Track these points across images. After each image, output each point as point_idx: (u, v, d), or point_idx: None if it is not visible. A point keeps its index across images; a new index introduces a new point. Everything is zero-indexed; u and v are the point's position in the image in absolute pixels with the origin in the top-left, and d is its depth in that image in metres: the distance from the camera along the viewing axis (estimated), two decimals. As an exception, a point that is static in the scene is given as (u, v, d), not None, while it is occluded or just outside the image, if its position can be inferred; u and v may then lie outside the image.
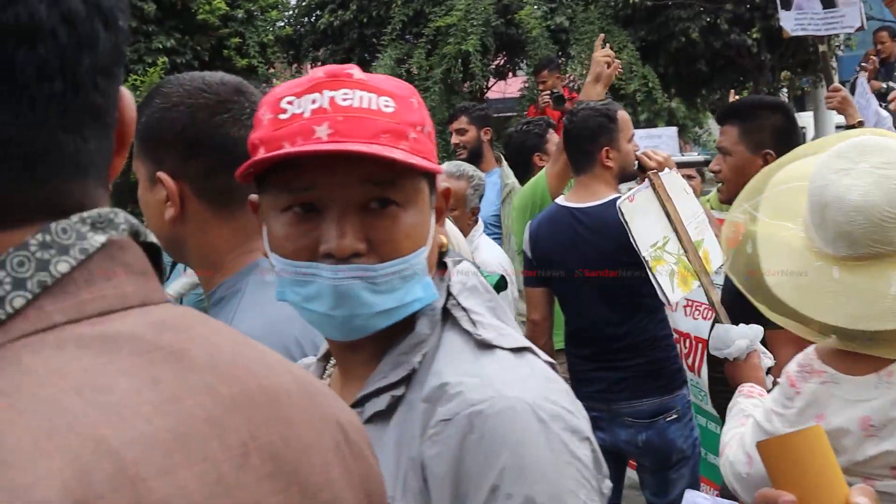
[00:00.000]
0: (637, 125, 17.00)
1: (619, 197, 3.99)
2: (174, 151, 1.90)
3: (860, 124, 5.04)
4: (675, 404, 4.06)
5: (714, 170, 3.92)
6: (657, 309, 4.09)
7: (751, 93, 15.53)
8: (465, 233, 4.89)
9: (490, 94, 14.35)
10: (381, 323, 1.44)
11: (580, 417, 1.42)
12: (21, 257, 0.72)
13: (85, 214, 0.77)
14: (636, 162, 4.13)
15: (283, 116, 1.42)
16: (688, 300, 4.50)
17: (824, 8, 6.10)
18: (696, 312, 5.07)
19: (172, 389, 0.74)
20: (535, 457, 1.32)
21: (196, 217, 1.92)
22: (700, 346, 4.36)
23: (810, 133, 14.59)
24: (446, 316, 1.49)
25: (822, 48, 6.40)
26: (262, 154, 1.40)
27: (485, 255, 4.76)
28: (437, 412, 1.37)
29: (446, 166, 4.94)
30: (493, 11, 11.71)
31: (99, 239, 0.76)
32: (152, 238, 0.85)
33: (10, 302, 0.71)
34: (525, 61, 12.91)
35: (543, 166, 5.24)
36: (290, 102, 1.42)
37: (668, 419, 4.04)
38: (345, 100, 1.40)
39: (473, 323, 1.47)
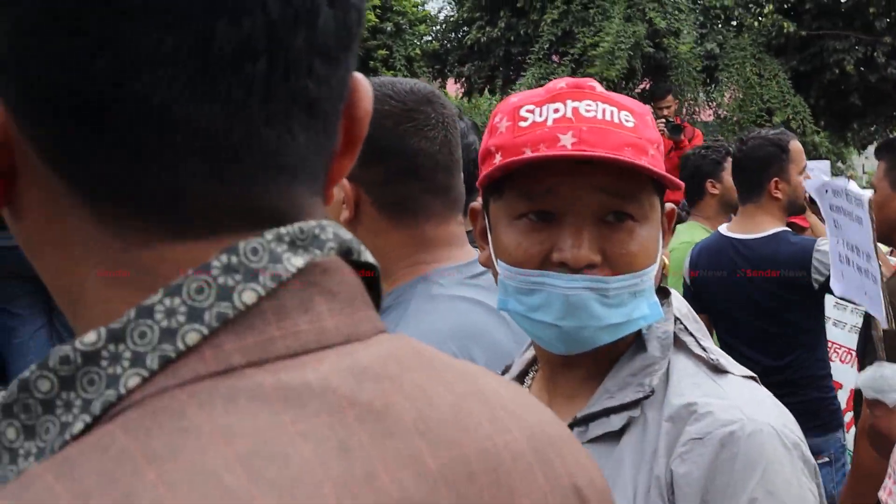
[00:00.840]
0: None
1: (784, 230, 3.94)
2: None
3: None
4: (829, 447, 3.89)
5: None
6: (817, 346, 3.97)
7: (905, 130, 15.09)
8: None
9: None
10: (607, 337, 1.43)
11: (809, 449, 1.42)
12: (200, 282, 0.60)
13: (283, 230, 0.63)
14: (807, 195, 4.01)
15: (523, 124, 1.42)
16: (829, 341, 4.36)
17: None
18: (835, 355, 4.88)
19: (365, 461, 0.59)
20: (784, 481, 1.33)
21: (369, 223, 1.90)
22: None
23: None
24: (674, 339, 1.49)
25: None
26: (499, 160, 1.40)
27: None
28: (685, 431, 1.36)
29: None
30: (644, 36, 11.58)
31: (297, 262, 0.63)
32: (368, 257, 0.70)
33: (183, 337, 0.58)
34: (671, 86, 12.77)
35: (716, 193, 5.18)
36: (530, 111, 1.43)
37: (819, 462, 3.88)
38: (588, 111, 1.40)
39: (703, 348, 1.48)
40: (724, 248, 4.09)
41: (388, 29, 12.69)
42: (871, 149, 20.81)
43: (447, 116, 1.97)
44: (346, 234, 0.67)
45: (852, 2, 13.52)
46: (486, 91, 13.20)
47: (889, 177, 3.56)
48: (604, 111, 1.40)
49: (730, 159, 5.31)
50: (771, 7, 13.51)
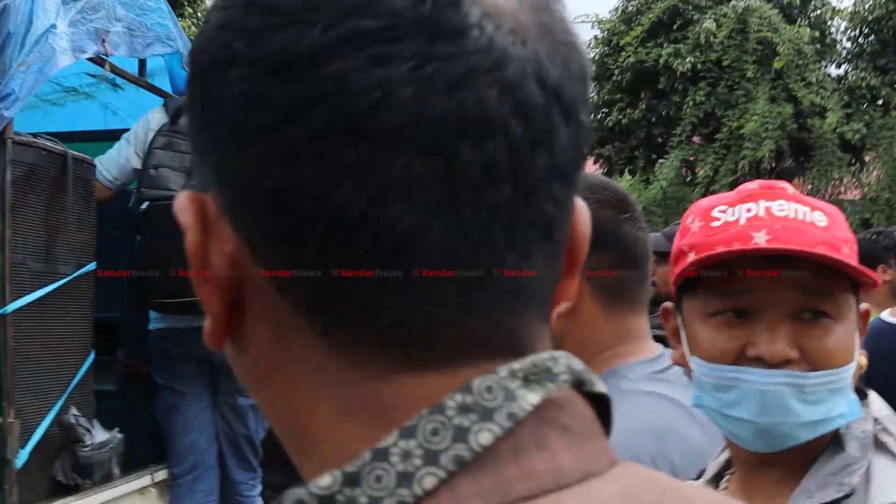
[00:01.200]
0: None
1: None
2: None
3: None
4: None
5: None
6: None
7: None
8: None
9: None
10: (806, 435, 1.42)
11: None
12: (436, 423, 0.57)
13: (516, 366, 0.60)
14: None
15: (715, 224, 1.47)
16: None
17: None
18: None
19: None
20: None
21: (585, 313, 1.88)
22: None
23: None
24: (874, 440, 1.47)
25: None
26: (692, 258, 1.45)
27: None
28: None
29: None
30: (790, 116, 11.48)
31: (532, 399, 0.59)
32: (601, 387, 0.66)
33: (420, 481, 0.56)
34: (814, 167, 12.59)
35: (888, 280, 5.06)
36: (722, 211, 1.48)
37: None
38: (780, 210, 1.45)
39: None
40: (888, 335, 4.07)
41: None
42: None
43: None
44: (579, 365, 0.63)
45: None
46: (626, 172, 13.22)
47: None
48: (796, 211, 1.45)
49: None
50: (919, 87, 13.27)
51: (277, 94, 0.56)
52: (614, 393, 1.90)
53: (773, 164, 12.56)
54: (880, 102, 13.29)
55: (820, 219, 1.46)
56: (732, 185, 11.50)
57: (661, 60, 12.02)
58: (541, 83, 0.58)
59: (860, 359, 1.49)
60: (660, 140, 12.60)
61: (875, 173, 12.78)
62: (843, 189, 13.32)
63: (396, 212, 0.55)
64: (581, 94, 0.61)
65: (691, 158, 11.72)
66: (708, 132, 11.88)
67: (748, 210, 1.47)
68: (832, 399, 1.42)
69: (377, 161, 0.55)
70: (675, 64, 11.81)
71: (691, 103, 11.75)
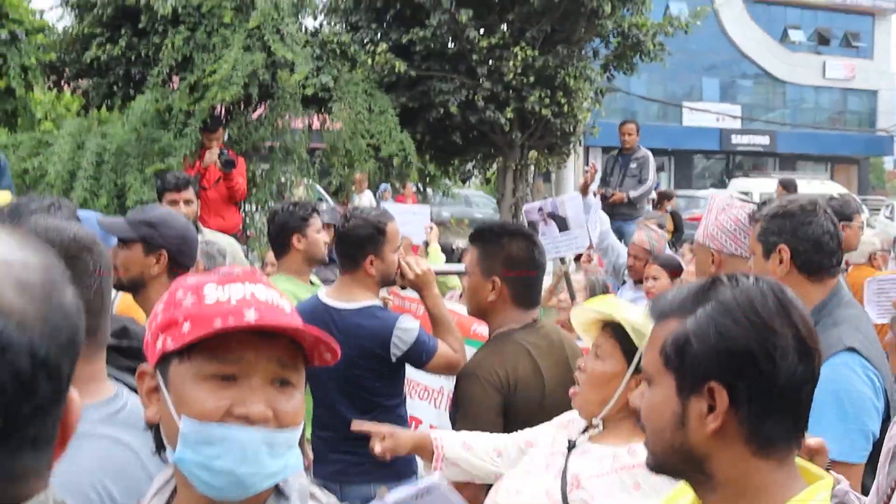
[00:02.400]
0: (391, 183, 17.60)
1: (374, 305, 4.37)
2: None
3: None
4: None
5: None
6: (396, 407, 4.45)
7: (500, 168, 16.45)
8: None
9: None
10: (267, 484, 1.73)
11: None
12: None
13: None
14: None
15: (208, 301, 1.72)
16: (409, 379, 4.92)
17: (560, 231, 7.00)
18: (413, 392, 5.49)
19: None
20: None
21: None
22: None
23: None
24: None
25: (564, 268, 7.16)
26: (188, 328, 1.69)
27: None
28: None
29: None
30: (261, 65, 11.93)
31: None
32: None
33: None
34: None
35: (301, 249, 5.51)
36: (213, 289, 1.73)
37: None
38: (262, 294, 1.74)
39: (329, 499, 1.86)
40: (320, 314, 4.36)
41: (3, 37, 12.24)
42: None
43: (105, 263, 2.25)
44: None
45: (457, 48, 14.62)
46: (104, 107, 12.98)
47: (481, 265, 4.01)
48: (272, 297, 1.75)
49: (316, 215, 5.77)
50: (384, 47, 14.36)
51: None
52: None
53: (244, 107, 13.00)
54: (349, 57, 14.15)
55: (286, 305, 1.77)
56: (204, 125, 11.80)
57: (143, 0, 11.92)
58: (33, 357, 0.97)
59: None
60: (138, 78, 12.55)
61: (338, 124, 13.56)
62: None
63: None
64: (67, 353, 1.03)
65: (167, 100, 11.79)
66: (185, 75, 12.02)
67: (237, 291, 1.72)
68: (288, 453, 1.73)
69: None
70: (156, 5, 11.76)
71: (170, 45, 11.80)
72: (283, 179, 13.05)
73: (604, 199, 11.47)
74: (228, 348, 1.68)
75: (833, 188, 28.57)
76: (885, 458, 2.58)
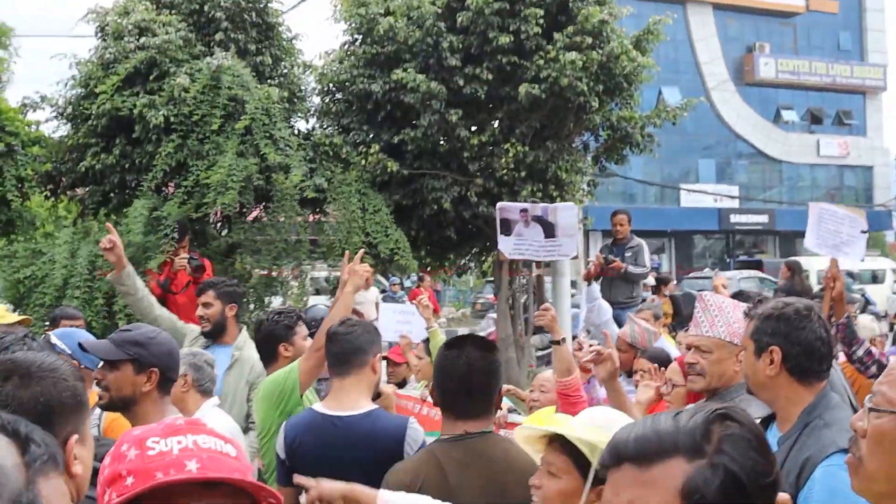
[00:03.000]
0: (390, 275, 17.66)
1: (378, 409, 4.35)
2: None
3: (563, 341, 5.69)
4: None
5: None
6: None
7: (495, 261, 16.54)
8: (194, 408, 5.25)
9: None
10: None
11: None
12: None
13: None
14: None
15: (150, 453, 1.75)
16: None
17: (546, 237, 7.01)
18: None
19: None
20: None
21: None
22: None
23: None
24: None
25: (536, 272, 7.25)
26: (131, 482, 1.72)
27: (213, 424, 5.09)
28: None
29: (185, 356, 5.26)
30: (255, 171, 12.12)
31: None
32: None
33: None
34: (282, 216, 13.32)
35: (289, 356, 5.54)
36: (156, 441, 1.77)
37: None
38: (205, 443, 1.78)
39: None
40: (319, 425, 4.30)
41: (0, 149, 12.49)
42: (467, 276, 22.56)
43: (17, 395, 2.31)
44: None
45: (448, 146, 14.80)
46: (100, 213, 13.16)
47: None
48: (215, 443, 1.79)
49: (301, 323, 5.83)
50: (376, 147, 14.54)
51: None
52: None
53: (240, 213, 13.20)
54: (342, 159, 14.36)
55: (231, 451, 1.80)
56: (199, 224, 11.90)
57: (136, 110, 12.14)
58: None
59: None
60: (133, 185, 12.73)
61: (335, 224, 13.77)
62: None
63: None
64: None
65: (161, 207, 11.95)
66: (180, 181, 12.20)
67: (179, 442, 1.75)
68: None
69: None
70: (149, 115, 11.99)
71: (163, 153, 12.00)
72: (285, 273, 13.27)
73: (605, 265, 11.71)
74: (171, 500, 1.71)
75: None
76: None
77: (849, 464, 2.69)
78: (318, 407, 4.46)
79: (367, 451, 4.14)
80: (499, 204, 7.51)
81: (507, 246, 7.22)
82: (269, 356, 5.68)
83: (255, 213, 13.66)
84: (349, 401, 4.37)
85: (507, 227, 7.09)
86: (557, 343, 5.65)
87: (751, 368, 3.70)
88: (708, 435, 1.67)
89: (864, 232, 6.34)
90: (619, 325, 9.94)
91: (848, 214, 6.48)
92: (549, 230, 7.06)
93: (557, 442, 3.10)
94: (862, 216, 6.63)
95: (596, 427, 3.07)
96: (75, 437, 2.47)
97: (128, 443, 1.79)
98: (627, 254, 12.70)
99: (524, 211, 7.25)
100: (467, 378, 3.90)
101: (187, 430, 1.80)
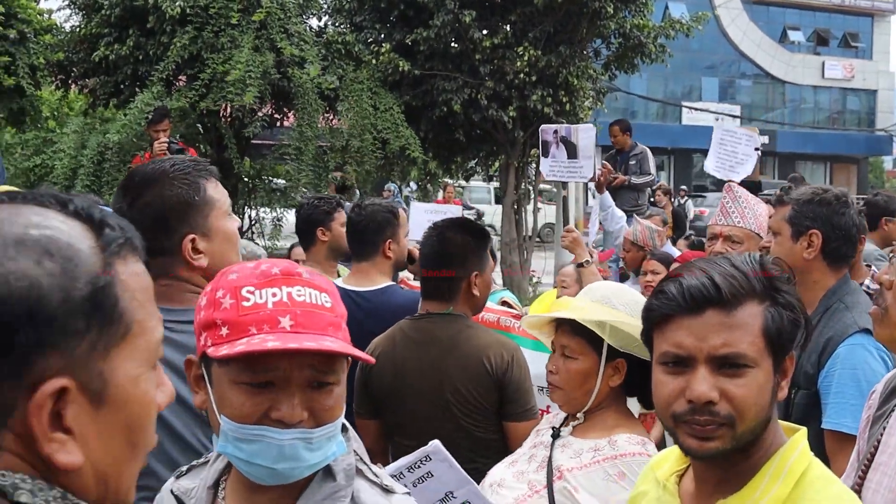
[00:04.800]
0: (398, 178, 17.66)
1: (395, 285, 4.56)
2: None
3: (587, 262, 5.71)
4: None
5: None
6: None
7: (502, 165, 16.57)
8: None
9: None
10: (308, 472, 1.82)
11: None
12: None
13: None
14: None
15: (245, 304, 1.77)
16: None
17: (569, 158, 7.11)
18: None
19: None
20: None
21: None
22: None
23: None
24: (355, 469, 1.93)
25: (563, 193, 7.33)
26: (225, 333, 1.76)
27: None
28: None
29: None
30: (271, 65, 12.06)
31: None
32: (24, 498, 1.05)
33: None
34: (293, 112, 13.30)
35: (326, 241, 5.61)
36: (250, 292, 1.78)
37: None
38: (299, 295, 1.80)
39: (375, 474, 1.95)
40: (341, 299, 4.48)
41: (12, 36, 12.41)
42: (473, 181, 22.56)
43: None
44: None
45: (461, 48, 14.73)
46: (110, 104, 13.11)
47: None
48: (310, 294, 1.80)
49: (340, 209, 5.90)
50: (388, 46, 14.47)
51: None
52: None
53: (258, 108, 13.16)
54: (354, 57, 14.29)
55: (327, 301, 1.82)
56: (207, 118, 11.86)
57: (151, 1, 12.04)
58: None
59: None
60: (145, 77, 12.66)
61: (345, 124, 13.72)
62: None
63: None
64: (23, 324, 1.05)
65: (170, 97, 11.90)
66: (193, 73, 12.14)
67: (274, 294, 1.76)
68: (329, 444, 1.80)
69: None
70: (164, 6, 11.90)
71: (178, 45, 11.92)
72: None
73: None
74: (263, 360, 1.75)
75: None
76: (865, 425, 2.72)
77: (873, 315, 2.81)
78: (339, 282, 4.72)
79: (379, 324, 4.26)
80: (542, 126, 7.58)
81: (545, 167, 7.34)
82: (308, 239, 5.75)
83: (264, 110, 13.59)
84: (368, 278, 4.68)
85: (546, 149, 7.19)
86: (581, 266, 5.71)
87: (786, 252, 3.73)
88: (769, 279, 1.98)
89: (756, 150, 6.36)
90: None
91: (745, 132, 6.55)
92: (572, 151, 7.14)
93: (567, 325, 3.17)
94: (756, 133, 6.68)
95: (598, 302, 3.14)
96: (190, 236, 2.68)
97: (223, 289, 1.81)
98: (631, 162, 12.67)
99: (555, 132, 7.31)
100: (433, 265, 3.99)
101: (283, 280, 1.81)
